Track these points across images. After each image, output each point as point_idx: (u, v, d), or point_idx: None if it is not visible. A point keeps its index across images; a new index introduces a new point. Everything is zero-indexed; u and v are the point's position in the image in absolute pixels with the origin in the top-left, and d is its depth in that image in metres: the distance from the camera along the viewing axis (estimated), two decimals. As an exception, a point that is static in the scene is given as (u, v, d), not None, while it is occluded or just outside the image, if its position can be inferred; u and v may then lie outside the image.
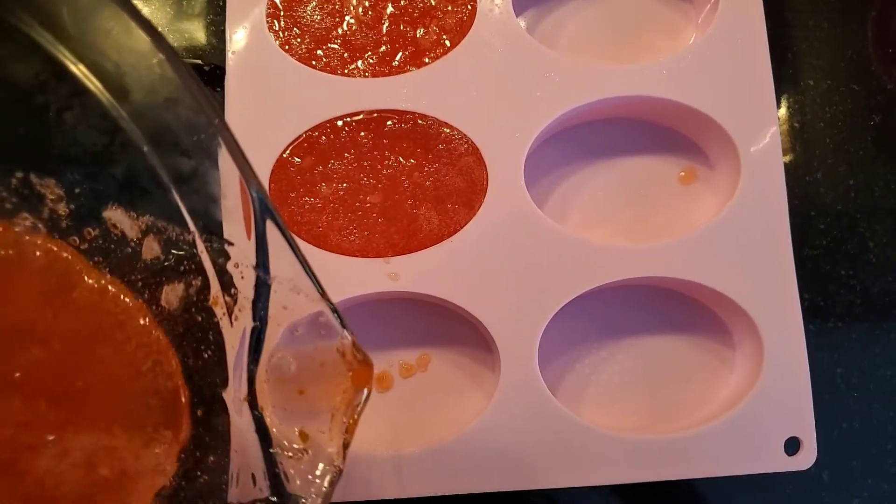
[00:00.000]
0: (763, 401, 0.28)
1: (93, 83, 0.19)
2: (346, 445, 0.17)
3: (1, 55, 0.19)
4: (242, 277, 0.18)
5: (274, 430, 0.17)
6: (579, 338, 0.30)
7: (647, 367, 0.30)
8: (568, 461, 0.27)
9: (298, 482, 0.17)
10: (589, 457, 0.27)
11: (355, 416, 0.17)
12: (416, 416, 0.29)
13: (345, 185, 0.29)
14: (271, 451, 0.17)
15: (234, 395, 0.18)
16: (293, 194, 0.29)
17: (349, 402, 0.17)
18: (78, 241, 0.22)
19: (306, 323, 0.17)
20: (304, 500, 0.17)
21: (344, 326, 0.17)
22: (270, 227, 0.17)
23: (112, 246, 0.21)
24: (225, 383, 0.19)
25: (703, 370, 0.30)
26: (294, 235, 0.19)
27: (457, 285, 0.28)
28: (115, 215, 0.21)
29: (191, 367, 0.21)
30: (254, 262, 0.17)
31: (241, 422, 0.17)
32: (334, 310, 0.17)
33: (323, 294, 0.17)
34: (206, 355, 0.20)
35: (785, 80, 0.33)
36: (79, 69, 0.19)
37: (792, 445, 0.28)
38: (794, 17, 0.33)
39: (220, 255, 0.19)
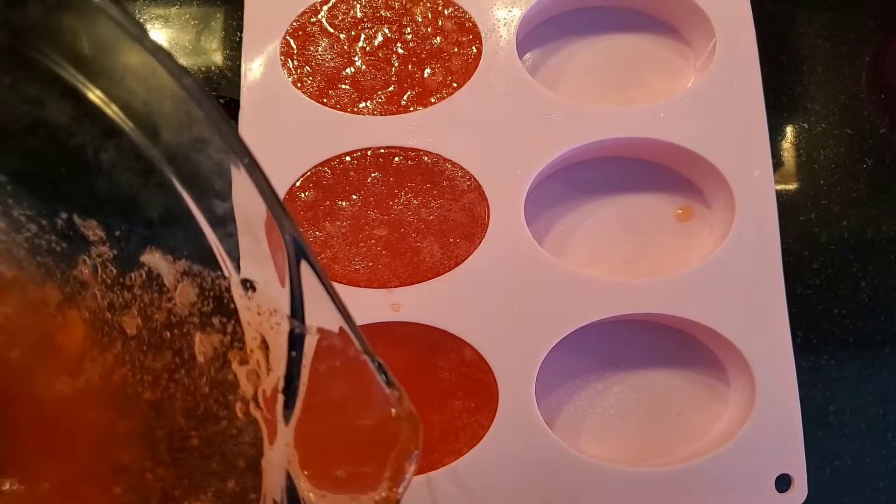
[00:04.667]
0: (755, 437, 0.28)
1: (124, 122, 0.19)
2: None
3: (34, 95, 0.20)
4: (273, 327, 0.17)
5: (302, 495, 0.16)
6: (576, 371, 0.31)
7: (642, 400, 0.31)
8: (562, 492, 0.28)
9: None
10: (583, 488, 0.28)
11: (402, 485, 0.16)
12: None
13: (352, 217, 0.30)
14: None
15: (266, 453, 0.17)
16: (302, 227, 0.30)
17: (395, 467, 0.16)
18: (123, 288, 0.22)
19: (344, 376, 0.16)
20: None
21: (390, 383, 0.16)
22: (305, 271, 0.16)
23: (153, 293, 0.21)
24: (259, 447, 0.18)
25: (697, 405, 0.31)
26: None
27: (457, 316, 0.29)
28: (153, 259, 0.21)
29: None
30: (286, 309, 0.16)
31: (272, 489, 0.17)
32: (378, 363, 0.16)
33: (363, 344, 0.16)
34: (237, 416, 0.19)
35: (780, 122, 0.34)
36: (110, 108, 0.19)
37: (783, 482, 0.28)
38: (790, 62, 0.35)
39: (260, 303, 0.18)
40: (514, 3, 0.31)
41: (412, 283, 0.29)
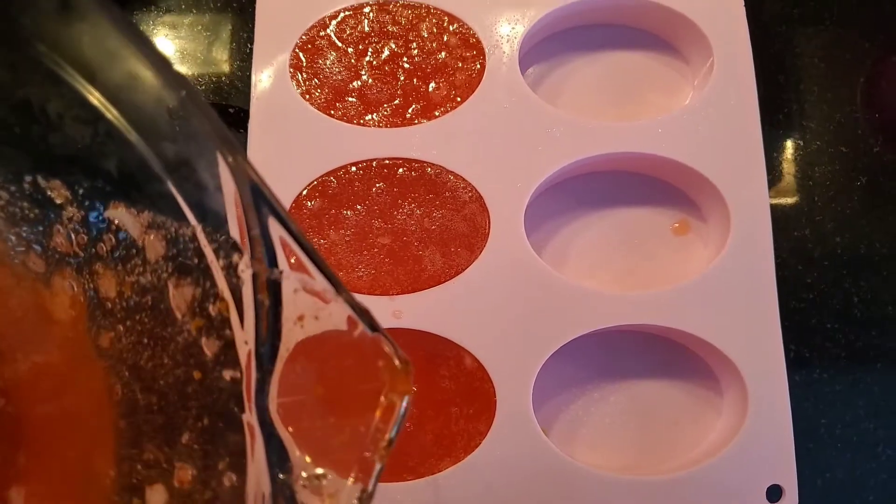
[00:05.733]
0: (747, 448, 0.29)
1: (58, 66, 0.18)
2: (378, 466, 0.15)
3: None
4: (241, 274, 0.16)
5: (289, 451, 0.15)
6: (573, 380, 0.32)
7: (637, 409, 0.32)
8: (557, 498, 0.29)
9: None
10: (577, 495, 0.29)
11: (391, 433, 0.15)
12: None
13: (356, 226, 0.31)
14: (280, 476, 0.15)
15: (247, 411, 0.16)
16: (307, 235, 0.30)
17: (384, 416, 0.15)
18: (97, 251, 0.21)
19: (325, 326, 0.15)
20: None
21: (375, 328, 0.15)
22: (273, 223, 0.15)
23: (125, 252, 0.21)
24: (241, 403, 0.17)
25: (691, 415, 0.32)
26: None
27: (456, 324, 0.30)
28: (118, 214, 0.20)
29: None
30: (259, 256, 0.15)
31: (253, 443, 0.16)
32: (360, 308, 0.15)
33: (343, 291, 0.15)
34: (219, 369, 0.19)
35: (776, 140, 0.35)
36: (45, 52, 0.18)
37: (774, 493, 0.29)
38: (787, 80, 0.35)
39: (227, 251, 0.17)
40: (518, 21, 0.32)
41: (414, 291, 0.30)
